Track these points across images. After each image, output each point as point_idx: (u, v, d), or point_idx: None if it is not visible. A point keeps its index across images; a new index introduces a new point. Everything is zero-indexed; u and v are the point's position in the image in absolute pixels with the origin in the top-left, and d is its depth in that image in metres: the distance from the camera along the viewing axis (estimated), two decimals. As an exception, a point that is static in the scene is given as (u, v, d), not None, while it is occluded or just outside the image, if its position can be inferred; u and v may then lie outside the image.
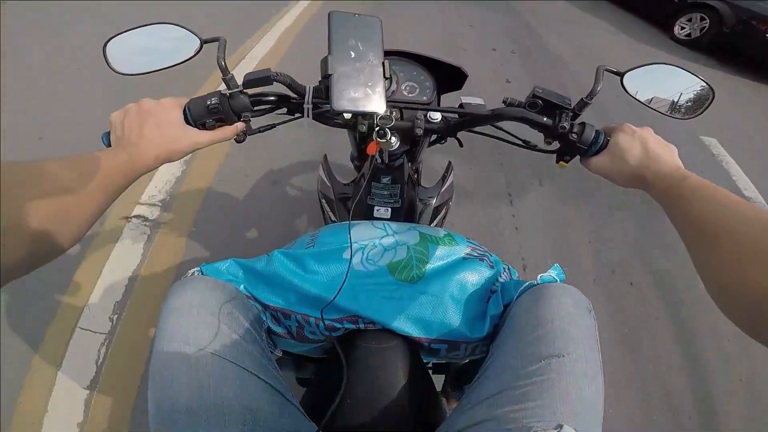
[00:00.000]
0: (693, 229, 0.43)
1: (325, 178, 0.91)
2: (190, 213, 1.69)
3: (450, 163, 0.93)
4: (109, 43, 0.62)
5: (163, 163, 0.52)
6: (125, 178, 0.46)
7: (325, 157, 1.01)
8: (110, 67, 0.62)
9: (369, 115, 0.56)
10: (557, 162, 0.65)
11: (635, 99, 0.67)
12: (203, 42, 0.61)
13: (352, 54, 0.52)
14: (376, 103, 0.51)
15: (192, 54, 0.62)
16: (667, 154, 0.54)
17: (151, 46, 0.63)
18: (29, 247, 0.34)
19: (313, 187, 0.88)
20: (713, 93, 0.64)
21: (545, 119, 0.61)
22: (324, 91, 0.53)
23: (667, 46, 4.97)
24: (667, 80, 0.66)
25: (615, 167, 0.57)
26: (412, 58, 0.76)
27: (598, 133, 0.60)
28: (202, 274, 0.59)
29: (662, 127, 0.71)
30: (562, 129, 0.59)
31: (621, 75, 0.64)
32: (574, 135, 0.60)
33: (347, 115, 0.58)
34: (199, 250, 1.56)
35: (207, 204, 1.75)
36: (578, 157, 0.63)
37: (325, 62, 0.51)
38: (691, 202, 0.45)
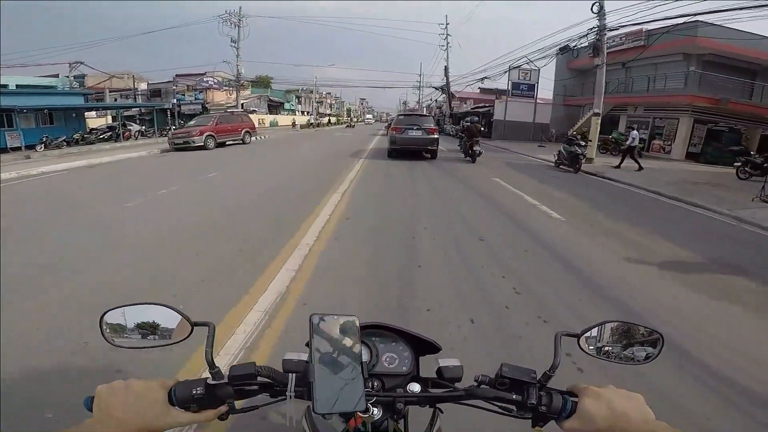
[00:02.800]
0: None
1: (307, 428, 0.86)
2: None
3: (436, 409, 0.84)
4: (106, 315, 0.68)
5: None
6: None
7: (309, 408, 0.89)
8: (104, 337, 0.68)
9: None
10: (533, 426, 0.68)
11: (592, 356, 0.72)
12: (194, 325, 0.68)
13: (333, 357, 0.58)
14: (357, 403, 0.57)
15: (183, 337, 0.69)
16: (632, 409, 0.58)
17: (145, 323, 0.68)
18: None
19: None
20: (662, 338, 0.71)
21: (514, 396, 0.66)
22: (307, 379, 0.59)
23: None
24: (619, 333, 0.73)
25: (587, 429, 0.60)
26: (390, 330, 0.81)
27: (565, 400, 0.64)
28: None
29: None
30: (531, 404, 0.64)
31: (577, 336, 0.71)
32: (543, 407, 0.64)
33: None
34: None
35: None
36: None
37: (306, 369, 0.60)
38: None
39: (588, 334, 0.71)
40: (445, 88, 41.83)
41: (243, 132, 18.71)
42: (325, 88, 69.37)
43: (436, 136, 13.76)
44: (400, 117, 15.35)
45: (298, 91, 58.35)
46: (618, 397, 0.59)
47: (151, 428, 0.57)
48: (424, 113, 22.69)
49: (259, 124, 42.92)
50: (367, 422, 0.68)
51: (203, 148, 15.79)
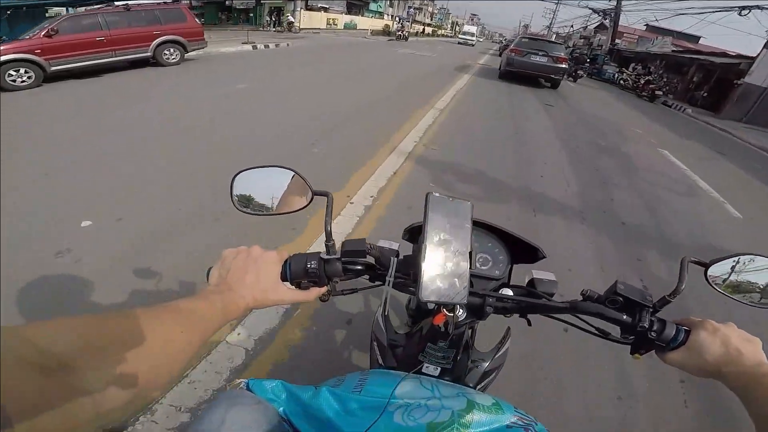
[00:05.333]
0: None
1: (381, 322, 0.87)
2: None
3: (509, 329, 0.85)
4: (237, 177, 0.69)
5: (249, 311, 0.58)
6: (217, 325, 0.51)
7: (386, 299, 0.85)
8: (232, 203, 0.69)
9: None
10: (632, 354, 0.63)
11: (719, 291, 0.65)
12: (314, 194, 0.67)
13: (444, 242, 0.56)
14: (459, 296, 0.54)
15: (304, 204, 0.68)
16: (749, 350, 0.54)
17: (271, 187, 0.69)
18: (125, 396, 0.36)
19: None
20: None
21: (624, 317, 0.61)
22: (407, 267, 0.61)
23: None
24: (756, 270, 0.64)
25: (692, 362, 0.56)
26: (490, 230, 0.77)
27: (678, 330, 0.59)
28: (248, 388, 0.62)
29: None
30: (642, 328, 0.59)
31: (706, 266, 0.63)
32: (653, 333, 0.59)
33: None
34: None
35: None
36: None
37: (418, 250, 0.56)
38: None
39: (719, 264, 0.63)
40: (609, 14, 25.73)
41: (155, 44, 7.86)
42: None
43: (564, 66, 11.82)
44: (523, 39, 12.78)
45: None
46: (736, 336, 0.55)
47: (259, 302, 0.57)
48: (553, 40, 18.59)
49: (328, 25, 31.36)
50: (450, 321, 0.64)
51: None
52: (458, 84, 10.41)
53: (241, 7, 30.64)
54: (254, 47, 13.25)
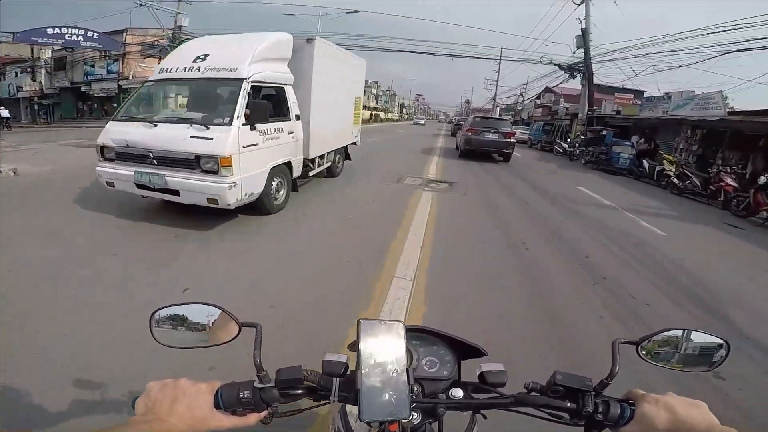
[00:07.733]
0: None
1: (341, 427, 0.83)
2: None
3: (474, 414, 0.82)
4: (155, 314, 0.67)
5: None
6: None
7: (343, 407, 0.89)
8: (152, 336, 0.66)
9: None
10: None
11: (652, 364, 0.68)
12: (241, 326, 0.66)
13: (379, 364, 0.57)
14: (401, 411, 0.55)
15: (231, 337, 0.67)
16: (696, 415, 0.54)
17: (194, 323, 0.68)
18: None
19: None
20: (728, 345, 0.67)
21: (568, 404, 0.62)
22: (350, 386, 0.61)
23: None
24: (682, 341, 0.69)
25: None
26: (432, 334, 0.79)
27: (623, 408, 0.60)
28: None
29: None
30: (587, 412, 0.60)
31: (636, 344, 0.66)
32: (599, 415, 0.61)
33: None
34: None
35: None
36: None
37: (347, 373, 0.61)
38: None
39: (647, 341, 0.68)
40: (579, 68, 20.08)
41: None
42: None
43: (513, 141, 13.47)
44: (476, 119, 14.70)
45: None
46: (679, 404, 0.56)
47: (195, 428, 0.57)
48: (502, 117, 21.57)
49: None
50: (405, 427, 0.66)
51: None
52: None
53: (102, 95, 23.73)
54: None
